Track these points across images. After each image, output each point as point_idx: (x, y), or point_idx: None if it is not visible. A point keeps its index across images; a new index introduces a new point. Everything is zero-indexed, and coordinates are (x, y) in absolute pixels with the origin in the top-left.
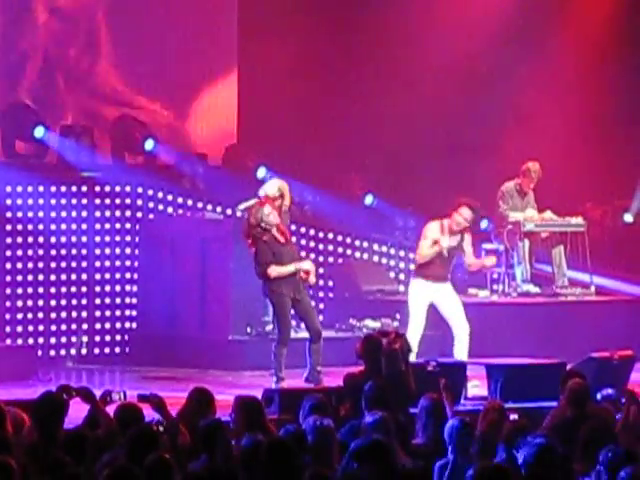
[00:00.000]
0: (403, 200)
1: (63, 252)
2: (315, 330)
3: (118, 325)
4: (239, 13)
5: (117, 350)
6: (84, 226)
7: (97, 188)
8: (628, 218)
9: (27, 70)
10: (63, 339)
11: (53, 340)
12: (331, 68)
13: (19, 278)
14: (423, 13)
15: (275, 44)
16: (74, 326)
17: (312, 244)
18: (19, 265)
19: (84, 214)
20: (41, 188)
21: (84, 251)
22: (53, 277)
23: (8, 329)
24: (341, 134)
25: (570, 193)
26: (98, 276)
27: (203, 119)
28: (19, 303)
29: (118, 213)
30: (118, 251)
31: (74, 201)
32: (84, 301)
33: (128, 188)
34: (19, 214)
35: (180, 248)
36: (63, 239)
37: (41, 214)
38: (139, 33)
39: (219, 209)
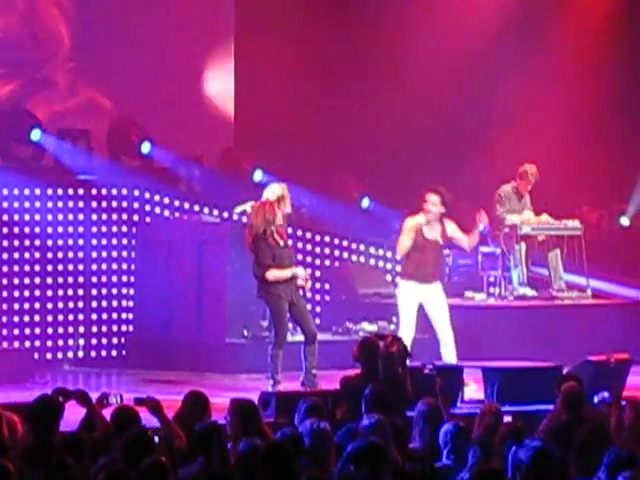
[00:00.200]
0: (400, 202)
1: (60, 255)
2: (310, 333)
3: (115, 328)
4: (236, 13)
5: (114, 353)
6: (80, 229)
7: (94, 191)
8: (625, 221)
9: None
10: (60, 342)
11: (50, 343)
12: (329, 69)
13: (15, 281)
14: (421, 12)
15: (272, 45)
16: (71, 329)
17: (309, 247)
18: (15, 268)
19: (80, 217)
20: (37, 191)
21: (80, 254)
22: (50, 280)
23: (5, 332)
24: (338, 137)
25: (567, 196)
26: (94, 279)
27: (199, 121)
28: (16, 306)
29: (115, 216)
30: (115, 254)
31: (70, 204)
32: (81, 304)
33: (125, 191)
34: (15, 217)
35: (177, 251)
36: (60, 242)
37: (37, 217)
38: (136, 34)
39: (216, 212)
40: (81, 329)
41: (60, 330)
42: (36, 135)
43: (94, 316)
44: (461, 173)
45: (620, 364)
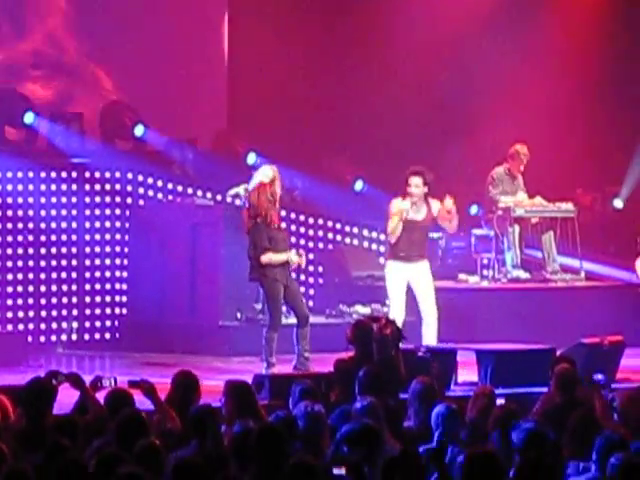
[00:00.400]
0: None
1: (53, 238)
2: (303, 315)
3: (108, 311)
4: None
5: (107, 336)
6: (74, 212)
7: (87, 174)
8: (618, 204)
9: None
10: (53, 325)
11: (43, 326)
12: (322, 53)
13: (9, 264)
14: None
15: (265, 29)
16: (64, 312)
17: (302, 230)
18: (9, 251)
19: (74, 200)
20: (31, 174)
21: (74, 237)
22: (43, 263)
23: None
24: (331, 119)
25: (560, 179)
26: (88, 262)
27: (192, 104)
28: (9, 289)
29: (108, 199)
30: (108, 237)
31: (64, 187)
32: (74, 287)
33: (118, 174)
34: (9, 200)
35: (170, 234)
36: (53, 225)
37: (31, 200)
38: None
39: (209, 195)
40: (74, 312)
41: (53, 313)
42: (29, 118)
43: (87, 299)
44: (452, 155)
45: (613, 346)
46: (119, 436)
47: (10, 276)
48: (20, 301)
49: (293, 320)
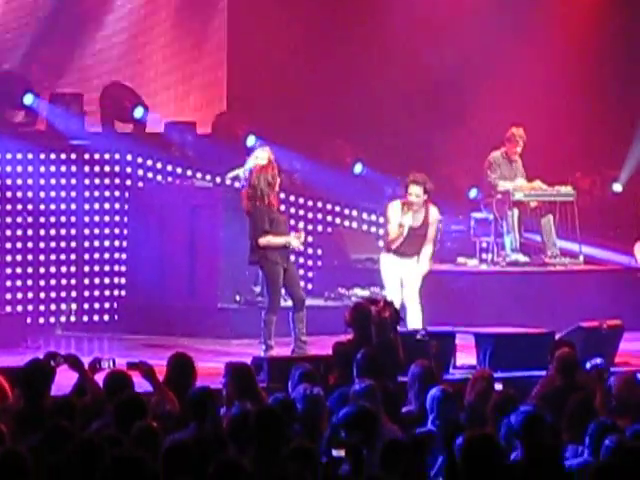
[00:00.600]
0: (393, 168)
1: (52, 220)
2: (299, 298)
3: (107, 293)
4: None
5: (106, 318)
6: (73, 194)
7: (86, 156)
8: (617, 188)
9: None
10: (52, 307)
11: (42, 308)
12: (321, 35)
13: (8, 245)
14: None
15: (264, 13)
16: (63, 294)
17: (301, 212)
18: (8, 232)
19: (73, 182)
20: (30, 156)
21: (73, 219)
22: (42, 244)
23: None
24: (330, 102)
25: (559, 162)
26: (87, 244)
27: (192, 86)
28: (8, 270)
29: (107, 181)
30: (107, 219)
31: (63, 169)
32: (73, 269)
33: (117, 156)
34: (8, 181)
35: (169, 216)
36: (52, 207)
37: (30, 182)
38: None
39: (208, 177)
40: (73, 294)
41: (52, 295)
42: (29, 99)
43: (86, 281)
44: (452, 138)
45: (612, 330)
46: (117, 418)
47: (9, 257)
48: (19, 282)
49: (291, 303)
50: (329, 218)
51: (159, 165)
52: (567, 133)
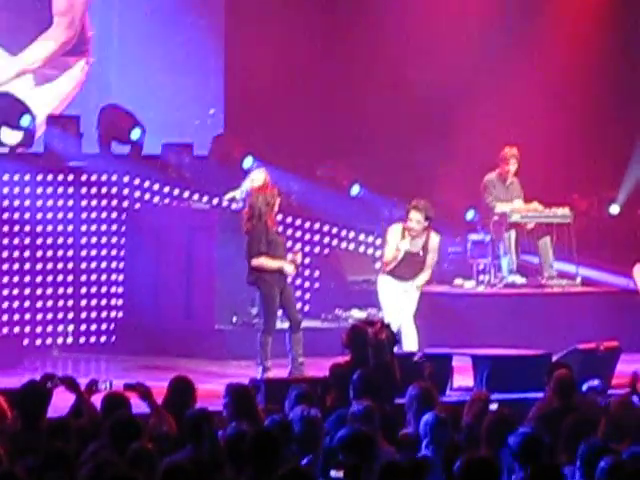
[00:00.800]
0: (390, 190)
1: (49, 241)
2: (295, 320)
3: (104, 314)
4: (226, 2)
5: (103, 339)
6: (70, 215)
7: (83, 177)
8: (614, 209)
9: None
10: (49, 328)
11: (39, 329)
12: (319, 58)
13: (5, 267)
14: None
15: (262, 35)
16: (60, 315)
17: (298, 234)
18: (5, 254)
19: (70, 203)
20: (27, 177)
21: (70, 240)
22: (39, 266)
23: None
24: (327, 124)
25: (556, 184)
26: (84, 265)
27: (189, 108)
28: (5, 292)
29: (104, 202)
30: (104, 240)
31: (60, 190)
32: (70, 290)
33: (114, 177)
34: (5, 203)
35: (166, 238)
36: (49, 228)
37: (27, 203)
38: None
39: (205, 199)
40: (70, 315)
41: (49, 316)
42: (26, 121)
43: (83, 302)
44: (449, 159)
45: (609, 352)
46: (112, 439)
47: (6, 279)
48: (16, 304)
49: (287, 325)
50: (326, 240)
51: (156, 187)
52: (564, 154)
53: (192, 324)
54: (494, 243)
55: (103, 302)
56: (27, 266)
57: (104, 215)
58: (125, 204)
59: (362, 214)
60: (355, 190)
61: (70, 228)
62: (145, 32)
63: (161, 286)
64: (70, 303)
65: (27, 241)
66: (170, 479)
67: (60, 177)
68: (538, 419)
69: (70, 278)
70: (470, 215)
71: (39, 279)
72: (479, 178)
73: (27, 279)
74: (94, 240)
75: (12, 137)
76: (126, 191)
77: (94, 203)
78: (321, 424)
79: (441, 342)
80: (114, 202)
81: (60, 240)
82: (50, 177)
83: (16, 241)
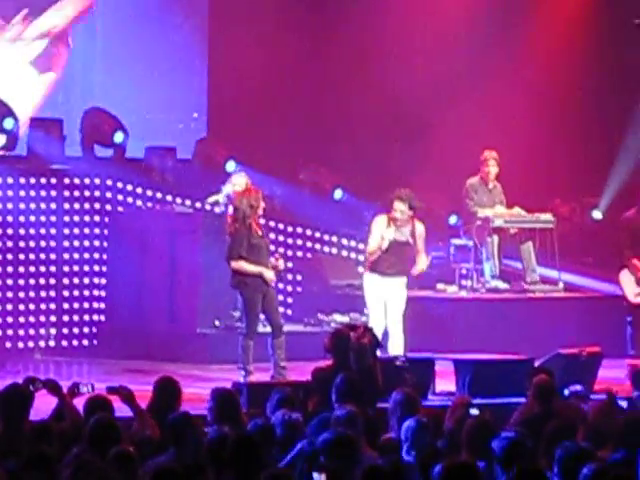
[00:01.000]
0: (373, 194)
1: (32, 244)
2: (277, 324)
3: (86, 317)
4: (209, 5)
5: (85, 342)
6: (53, 218)
7: (66, 180)
8: (597, 215)
9: None
10: (31, 331)
11: (21, 332)
12: (304, 62)
13: None
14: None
15: (245, 39)
16: (42, 318)
17: (281, 238)
18: None
19: (53, 206)
20: (10, 180)
21: (53, 243)
22: (21, 269)
23: None
24: (310, 129)
25: (538, 189)
26: (66, 268)
27: (172, 111)
28: None
29: (87, 206)
30: (87, 244)
31: (43, 193)
32: (52, 293)
33: (97, 181)
34: None
35: (149, 241)
36: (32, 231)
37: (10, 206)
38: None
39: (188, 202)
40: (53, 318)
41: (31, 319)
42: (9, 124)
43: (66, 305)
44: (430, 166)
45: (591, 357)
46: (92, 443)
47: None
48: None
49: (270, 329)
50: (309, 244)
51: (139, 190)
52: (547, 160)
53: (175, 328)
54: (477, 248)
55: (85, 305)
56: (9, 269)
57: (87, 218)
58: (108, 207)
59: (345, 218)
60: (338, 194)
61: (53, 231)
62: (129, 35)
63: (144, 290)
64: (52, 306)
65: (10, 244)
66: None
67: (43, 180)
68: (519, 424)
69: (52, 281)
70: (453, 220)
71: (21, 282)
72: (461, 182)
73: (9, 282)
74: (77, 243)
75: None
76: (109, 194)
77: (77, 206)
78: (302, 428)
79: (423, 347)
80: (97, 205)
81: (43, 243)
82: (33, 180)
83: None
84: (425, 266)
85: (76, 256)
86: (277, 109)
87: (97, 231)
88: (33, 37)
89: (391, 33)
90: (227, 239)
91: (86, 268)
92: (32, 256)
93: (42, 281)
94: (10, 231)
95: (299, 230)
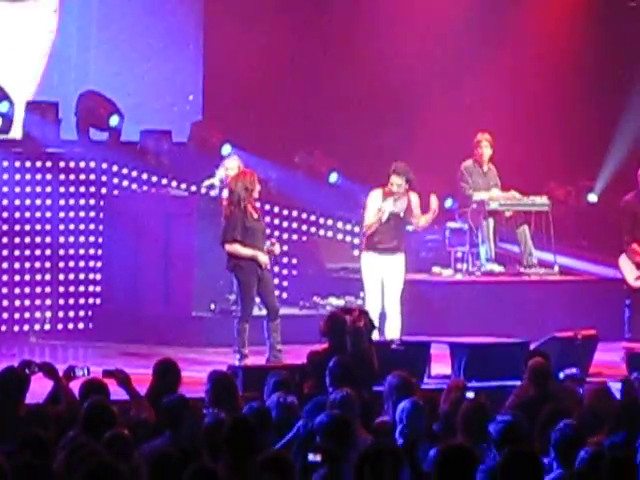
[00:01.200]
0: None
1: (27, 227)
2: (273, 308)
3: (82, 301)
4: None
5: (81, 326)
6: (48, 202)
7: (62, 164)
8: (592, 198)
9: None
10: (27, 315)
11: (17, 315)
12: (298, 46)
13: None
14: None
15: (241, 21)
16: (38, 302)
17: (276, 221)
18: None
19: (48, 190)
20: (6, 163)
21: (48, 227)
22: (17, 252)
23: None
24: (306, 112)
25: (534, 173)
26: (62, 252)
27: (168, 94)
28: None
29: (82, 189)
30: (82, 227)
31: (38, 177)
32: (48, 277)
33: (93, 164)
34: None
35: (144, 225)
36: (27, 214)
37: (5, 189)
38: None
39: (184, 186)
40: (48, 302)
41: (27, 303)
42: (4, 107)
43: (61, 289)
44: (425, 149)
45: (586, 341)
46: (86, 426)
47: None
48: None
49: (265, 312)
50: (304, 227)
51: (134, 173)
52: (542, 143)
53: (170, 311)
54: (472, 231)
55: (81, 289)
56: (5, 252)
57: (82, 202)
58: (103, 191)
59: (340, 201)
60: (333, 178)
61: (48, 214)
62: (124, 18)
63: (139, 273)
64: (48, 290)
65: (5, 227)
66: (157, 466)
67: (38, 163)
68: (515, 407)
69: (48, 265)
70: (448, 203)
71: (17, 265)
72: (457, 166)
73: (5, 265)
74: (72, 227)
75: None
76: (104, 178)
77: (72, 190)
78: (297, 411)
79: (419, 330)
80: (92, 189)
81: (38, 227)
82: (28, 163)
83: None
84: (428, 219)
85: (71, 239)
86: (272, 92)
87: (92, 214)
88: None
89: (385, 17)
90: (222, 222)
91: (81, 251)
92: (27, 239)
93: (37, 264)
94: (5, 214)
95: (294, 213)
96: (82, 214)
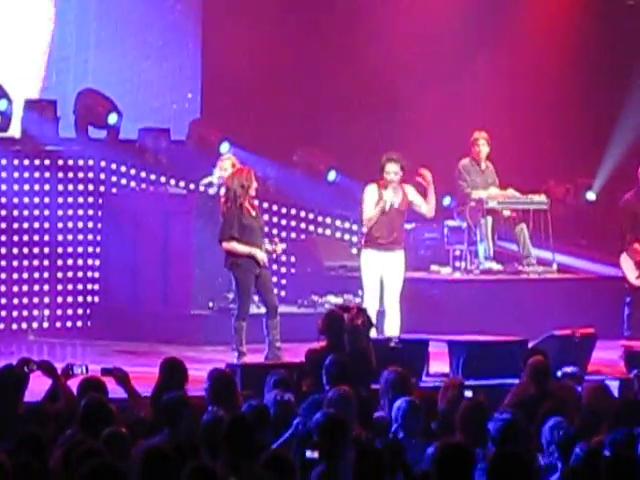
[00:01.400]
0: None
1: (25, 225)
2: (272, 306)
3: (80, 299)
4: None
5: (79, 324)
6: (47, 200)
7: (60, 162)
8: (591, 196)
9: None
10: (25, 312)
11: (15, 313)
12: (297, 44)
13: None
14: None
15: (240, 19)
16: (36, 300)
17: (275, 219)
18: None
19: (47, 188)
20: (4, 161)
21: (46, 225)
22: (15, 250)
23: None
24: (305, 109)
25: (532, 171)
26: (60, 250)
27: (166, 93)
28: None
29: (81, 187)
30: (81, 225)
31: (37, 175)
32: (46, 275)
33: (91, 162)
34: None
35: (143, 222)
36: (25, 212)
37: (4, 187)
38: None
39: (182, 184)
40: (46, 300)
41: (25, 300)
42: (2, 105)
43: (60, 287)
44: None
45: (585, 339)
46: (83, 424)
47: None
48: None
49: (264, 310)
50: (302, 225)
51: (133, 171)
52: (540, 141)
53: (169, 309)
54: (470, 229)
55: (79, 287)
56: (3, 250)
57: (81, 200)
58: (102, 189)
59: (339, 200)
60: (332, 176)
61: (47, 212)
62: (123, 16)
63: (138, 271)
64: (46, 287)
65: (3, 225)
66: (150, 463)
67: (37, 161)
68: (513, 405)
69: (46, 262)
70: (446, 201)
71: (15, 263)
72: (454, 164)
73: (3, 263)
74: (70, 225)
75: None
76: (103, 176)
77: (71, 188)
78: (294, 409)
79: (417, 328)
80: (91, 187)
81: (36, 224)
82: (27, 161)
83: None
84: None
85: (70, 237)
86: (271, 90)
87: (91, 212)
88: None
89: (382, 16)
90: (220, 220)
91: (80, 249)
92: (26, 237)
93: (36, 262)
94: (4, 212)
95: (293, 211)
96: (80, 212)
